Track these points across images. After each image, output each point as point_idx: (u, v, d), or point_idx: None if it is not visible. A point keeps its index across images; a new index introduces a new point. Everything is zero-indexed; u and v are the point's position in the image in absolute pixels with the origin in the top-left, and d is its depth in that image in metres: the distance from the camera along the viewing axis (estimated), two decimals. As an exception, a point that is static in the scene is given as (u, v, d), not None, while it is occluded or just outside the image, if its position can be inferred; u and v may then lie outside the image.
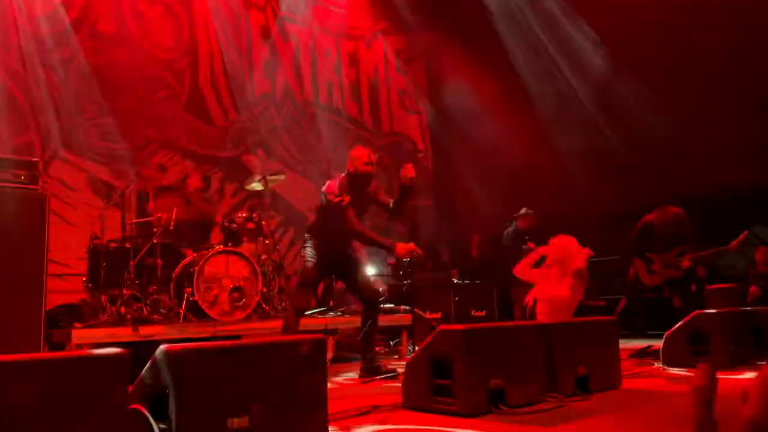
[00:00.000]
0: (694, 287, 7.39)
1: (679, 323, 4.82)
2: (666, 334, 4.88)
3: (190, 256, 5.81)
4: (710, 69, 8.41)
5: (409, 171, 4.67)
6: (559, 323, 3.97)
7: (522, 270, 5.39)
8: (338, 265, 4.88)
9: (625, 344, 5.12)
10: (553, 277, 5.14)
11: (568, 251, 5.11)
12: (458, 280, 8.24)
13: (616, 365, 4.02)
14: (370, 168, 4.73)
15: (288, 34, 10.32)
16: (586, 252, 5.11)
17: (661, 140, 8.86)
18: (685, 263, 6.15)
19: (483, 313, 7.42)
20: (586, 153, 9.43)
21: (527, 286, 7.72)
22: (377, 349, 5.35)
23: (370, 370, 4.68)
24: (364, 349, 4.77)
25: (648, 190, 8.41)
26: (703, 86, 8.35)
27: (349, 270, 4.91)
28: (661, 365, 4.78)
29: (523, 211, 8.43)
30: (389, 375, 4.63)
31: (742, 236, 6.06)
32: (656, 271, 6.28)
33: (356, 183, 4.73)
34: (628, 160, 9.17)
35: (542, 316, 5.06)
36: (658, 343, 5.02)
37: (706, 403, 1.84)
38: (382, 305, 5.57)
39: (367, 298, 4.87)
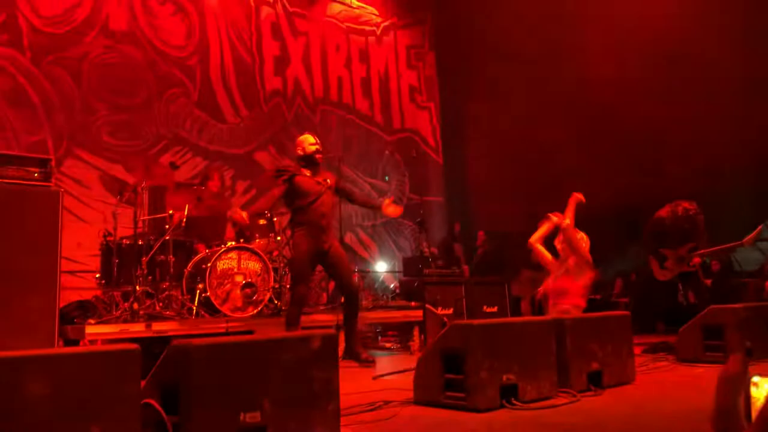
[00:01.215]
0: (708, 282, 7.33)
1: (694, 318, 4.78)
2: (680, 329, 4.84)
3: (202, 252, 5.84)
4: (722, 60, 8.32)
5: (390, 208, 5.33)
6: (572, 318, 3.94)
7: (535, 242, 5.38)
8: (323, 255, 5.17)
9: (640, 339, 5.08)
10: (560, 267, 5.14)
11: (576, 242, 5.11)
12: (470, 275, 8.22)
13: (630, 360, 3.99)
14: (317, 146, 5.27)
15: (298, 30, 10.33)
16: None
17: (673, 134, 8.78)
18: (698, 258, 6.10)
19: (495, 309, 7.39)
20: (599, 148, 9.37)
21: (529, 282, 7.69)
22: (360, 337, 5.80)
23: (351, 355, 5.11)
24: (347, 337, 5.14)
25: (661, 186, 8.34)
26: (716, 77, 8.27)
27: (335, 262, 5.22)
28: (675, 361, 4.74)
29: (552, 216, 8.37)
30: (368, 363, 5.03)
31: (756, 231, 5.99)
32: (669, 267, 6.23)
33: (308, 165, 5.24)
34: (641, 154, 9.10)
35: (552, 308, 5.05)
36: (673, 339, 4.98)
37: (732, 392, 1.79)
38: (362, 298, 6.11)
39: (348, 290, 5.20)
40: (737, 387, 1.83)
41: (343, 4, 11.11)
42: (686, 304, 7.36)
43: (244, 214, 5.02)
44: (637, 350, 4.41)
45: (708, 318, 4.69)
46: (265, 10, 9.97)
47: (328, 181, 5.34)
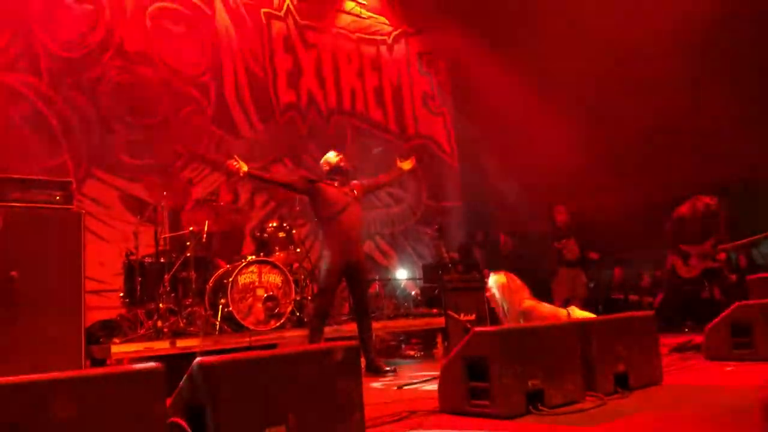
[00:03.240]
0: (734, 277, 7.21)
1: (721, 315, 4.70)
2: (707, 327, 4.76)
3: (223, 267, 5.88)
4: (748, 53, 8.21)
5: (405, 164, 5.75)
6: (596, 320, 3.91)
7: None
8: (351, 268, 5.26)
9: (666, 339, 5.02)
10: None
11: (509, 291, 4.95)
12: (491, 280, 8.17)
13: (657, 361, 3.93)
14: (341, 156, 5.45)
15: (309, 42, 10.39)
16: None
17: (695, 128, 8.66)
18: (722, 254, 6.01)
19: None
20: (616, 144, 9.27)
21: (567, 280, 7.58)
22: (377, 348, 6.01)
23: (372, 368, 5.16)
24: (364, 352, 5.17)
25: (684, 180, 8.23)
26: (737, 70, 8.16)
27: (359, 276, 5.34)
28: (703, 359, 4.66)
29: (558, 207, 8.36)
30: (390, 373, 5.11)
31: (781, 223, 5.89)
32: (694, 264, 6.15)
33: (335, 177, 5.36)
34: (662, 150, 8.99)
35: None
36: (700, 337, 4.90)
37: None
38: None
39: (364, 308, 5.37)
40: None
41: (353, 14, 11.16)
42: (712, 301, 7.25)
43: (243, 166, 5.09)
44: (664, 350, 4.35)
45: (735, 315, 4.61)
46: (276, 25, 10.05)
47: (355, 192, 5.41)
